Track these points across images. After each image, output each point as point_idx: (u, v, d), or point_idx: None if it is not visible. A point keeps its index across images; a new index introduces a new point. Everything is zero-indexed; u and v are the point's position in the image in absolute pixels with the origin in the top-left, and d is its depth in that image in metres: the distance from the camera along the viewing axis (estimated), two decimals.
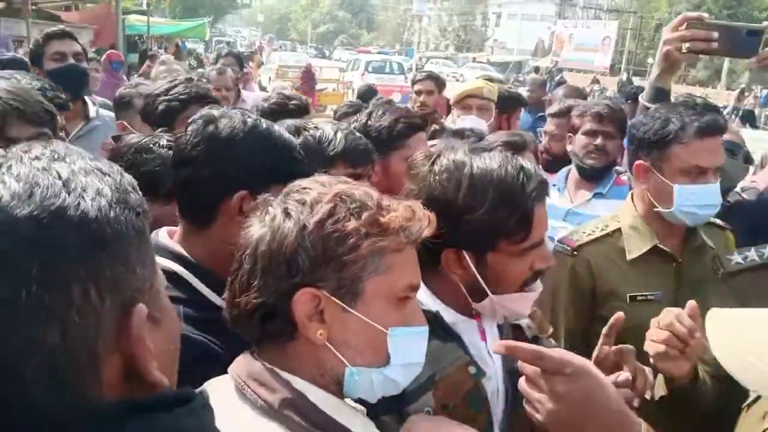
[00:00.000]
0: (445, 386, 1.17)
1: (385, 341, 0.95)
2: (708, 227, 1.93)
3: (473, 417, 1.23)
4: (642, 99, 2.01)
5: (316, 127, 1.78)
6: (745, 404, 1.29)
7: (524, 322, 1.43)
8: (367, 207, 0.93)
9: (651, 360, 1.36)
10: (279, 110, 2.71)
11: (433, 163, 1.25)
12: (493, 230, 1.17)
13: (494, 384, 1.30)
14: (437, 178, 1.21)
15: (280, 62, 23.59)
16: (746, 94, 23.48)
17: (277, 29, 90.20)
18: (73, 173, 0.57)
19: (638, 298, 1.80)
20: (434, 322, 1.18)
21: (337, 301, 0.92)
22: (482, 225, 1.16)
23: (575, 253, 1.87)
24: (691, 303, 1.32)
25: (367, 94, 7.49)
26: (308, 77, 16.06)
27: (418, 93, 4.23)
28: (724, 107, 21.41)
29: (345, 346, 0.94)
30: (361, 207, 0.93)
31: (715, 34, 1.70)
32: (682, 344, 1.32)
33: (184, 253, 1.27)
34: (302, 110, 2.86)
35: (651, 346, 1.35)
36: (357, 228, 0.91)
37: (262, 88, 15.44)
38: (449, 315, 1.27)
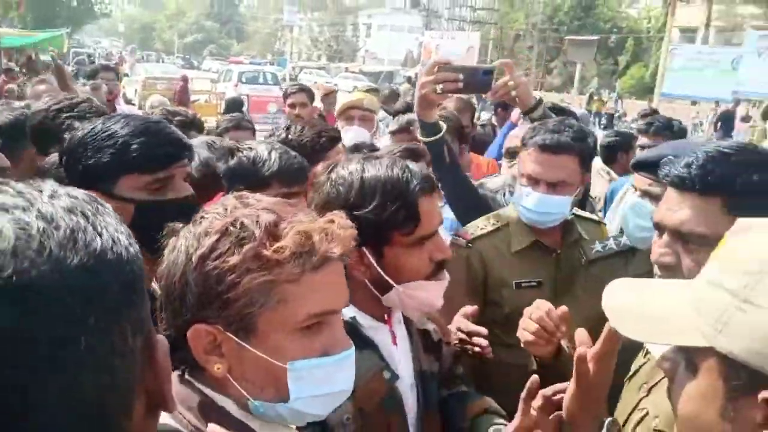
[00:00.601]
0: (362, 392, 1.20)
1: (284, 376, 0.90)
2: (586, 222, 2.15)
3: (388, 420, 1.32)
4: (419, 135, 2.19)
5: (249, 148, 1.78)
6: (627, 377, 1.43)
7: (431, 326, 1.53)
8: (252, 238, 0.88)
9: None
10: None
11: (330, 172, 1.36)
12: (386, 223, 1.28)
13: (407, 386, 1.39)
14: (333, 184, 1.32)
15: (147, 74, 22.51)
16: (595, 97, 25.65)
17: (140, 39, 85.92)
18: (93, 213, 0.54)
19: (523, 284, 1.99)
20: (350, 330, 1.21)
21: (232, 336, 0.89)
22: (375, 219, 1.27)
23: (470, 245, 2.02)
24: (563, 308, 1.48)
25: (235, 105, 7.43)
26: (183, 89, 15.54)
27: (292, 106, 4.30)
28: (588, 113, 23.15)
29: (244, 380, 0.92)
30: (247, 238, 0.88)
31: (461, 76, 1.97)
32: (549, 335, 1.47)
33: None
34: (189, 125, 2.72)
35: (521, 334, 1.50)
36: (237, 264, 0.87)
37: (128, 101, 14.70)
38: (364, 320, 1.36)
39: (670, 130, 3.87)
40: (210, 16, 78.81)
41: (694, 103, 26.19)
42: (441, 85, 1.99)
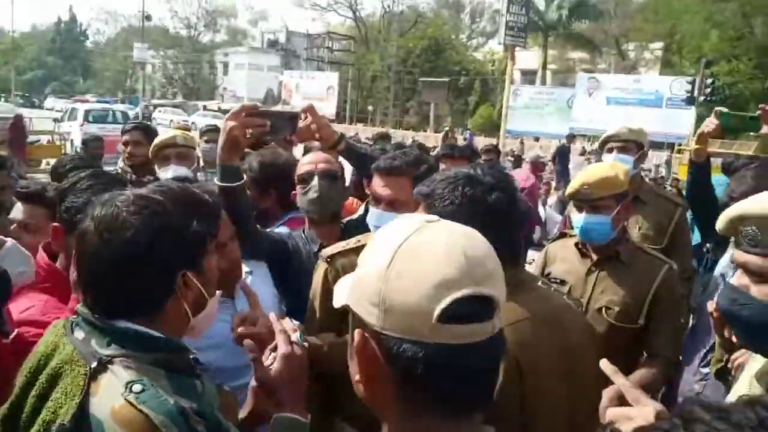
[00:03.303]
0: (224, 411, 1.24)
1: None
2: None
3: None
4: (217, 181, 2.17)
5: None
6: None
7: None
8: None
9: None
10: None
11: (110, 228, 1.20)
12: (206, 235, 1.25)
13: None
14: (137, 226, 1.18)
15: None
16: (449, 135, 27.03)
17: None
18: None
19: None
20: (191, 366, 1.22)
21: None
22: (198, 235, 1.22)
23: (329, 260, 2.07)
24: None
25: (93, 144, 6.98)
26: (18, 129, 14.34)
27: (126, 144, 4.10)
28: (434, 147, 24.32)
29: None
30: None
31: (268, 121, 2.10)
32: None
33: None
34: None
35: None
36: None
37: None
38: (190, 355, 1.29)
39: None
40: (52, 51, 74.07)
41: (537, 139, 28.52)
42: (251, 130, 2.06)
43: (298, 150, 4.04)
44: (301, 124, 2.24)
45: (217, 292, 1.32)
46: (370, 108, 44.71)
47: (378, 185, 2.12)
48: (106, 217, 1.17)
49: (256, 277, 2.17)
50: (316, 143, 3.00)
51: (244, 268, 2.08)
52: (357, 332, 0.86)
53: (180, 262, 1.20)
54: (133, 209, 1.16)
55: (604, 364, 1.28)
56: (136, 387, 1.06)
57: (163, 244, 1.16)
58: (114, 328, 1.14)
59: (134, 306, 1.16)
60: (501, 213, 1.42)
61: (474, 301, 0.80)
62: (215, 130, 4.52)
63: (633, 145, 3.23)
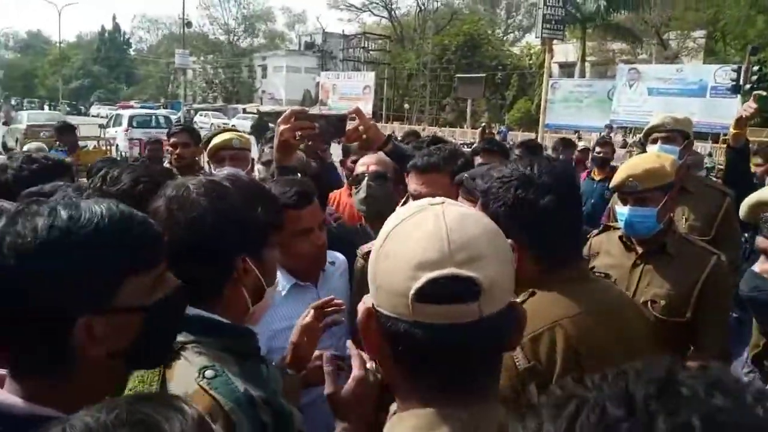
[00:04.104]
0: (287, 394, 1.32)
1: None
2: None
3: None
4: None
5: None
6: None
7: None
8: None
9: None
10: (29, 176, 2.32)
11: (181, 205, 1.28)
12: (268, 225, 1.33)
13: None
14: (204, 206, 1.25)
15: (29, 121, 21.37)
16: (487, 131, 26.79)
17: (21, 87, 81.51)
18: None
19: None
20: (257, 350, 1.31)
21: None
22: (262, 223, 1.30)
23: (365, 257, 2.12)
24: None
25: (153, 146, 6.95)
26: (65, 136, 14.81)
27: (174, 146, 4.26)
28: (472, 143, 24.21)
29: None
30: None
31: (316, 124, 2.17)
32: None
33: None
34: (53, 170, 2.43)
35: None
36: None
37: (10, 150, 13.88)
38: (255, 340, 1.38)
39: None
40: (97, 60, 76.16)
41: (576, 132, 28.07)
42: (300, 132, 2.14)
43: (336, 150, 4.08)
44: (349, 126, 2.30)
45: (277, 282, 1.41)
46: (406, 106, 44.68)
47: (415, 182, 2.18)
48: (177, 197, 1.23)
49: (336, 269, 2.23)
50: (355, 144, 3.09)
51: (328, 258, 2.15)
52: (362, 308, 0.90)
53: (241, 246, 1.24)
54: (203, 191, 1.23)
55: None
56: (209, 373, 1.12)
57: (226, 226, 1.21)
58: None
59: (197, 290, 1.17)
60: (552, 216, 1.41)
61: (452, 281, 0.80)
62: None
63: (678, 135, 3.16)
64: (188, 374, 1.12)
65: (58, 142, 8.46)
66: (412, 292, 0.81)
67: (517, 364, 1.29)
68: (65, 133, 8.61)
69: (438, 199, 0.92)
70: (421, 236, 0.84)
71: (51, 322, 0.87)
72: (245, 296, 1.28)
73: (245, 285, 1.27)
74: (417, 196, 2.13)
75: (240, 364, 1.20)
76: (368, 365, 1.33)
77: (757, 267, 1.34)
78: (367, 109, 39.33)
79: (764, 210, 1.33)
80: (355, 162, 3.18)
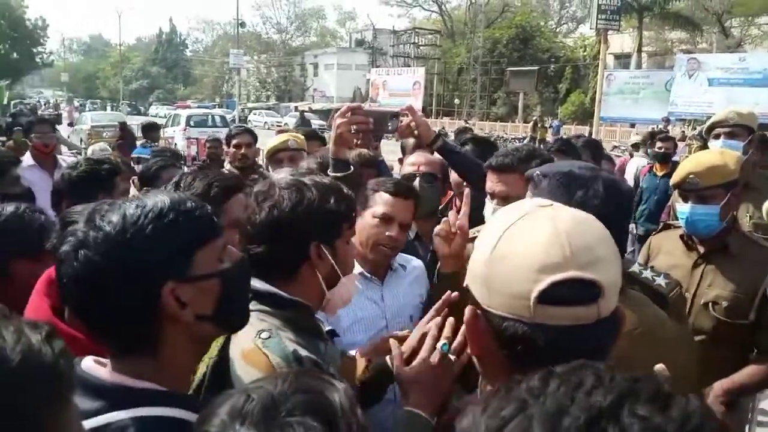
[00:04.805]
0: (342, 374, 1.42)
1: None
2: None
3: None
4: (330, 171, 2.33)
5: None
6: None
7: (332, 320, 1.73)
8: None
9: None
10: (88, 178, 2.55)
11: (266, 197, 1.45)
12: (339, 215, 1.45)
13: None
14: (285, 197, 1.43)
15: (93, 122, 22.23)
16: (539, 125, 26.41)
17: (84, 88, 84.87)
18: None
19: None
20: (316, 328, 1.47)
21: None
22: (335, 213, 1.44)
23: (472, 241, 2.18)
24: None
25: (213, 144, 7.11)
26: (123, 136, 15.30)
27: (238, 147, 4.36)
28: (523, 138, 23.96)
29: None
30: None
31: (371, 119, 2.23)
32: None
33: (163, 389, 1.03)
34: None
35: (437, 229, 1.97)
36: None
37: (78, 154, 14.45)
38: (317, 319, 1.52)
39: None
40: (155, 61, 78.53)
41: (632, 125, 27.31)
42: (355, 126, 2.22)
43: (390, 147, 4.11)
44: (402, 122, 2.37)
45: (354, 273, 1.54)
46: (456, 101, 44.38)
47: (491, 181, 2.22)
48: (263, 191, 1.46)
49: (408, 274, 2.25)
50: (410, 140, 3.14)
51: (398, 260, 2.22)
52: (468, 309, 0.93)
53: (314, 232, 1.42)
54: (284, 185, 1.44)
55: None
56: (264, 334, 1.30)
57: (301, 212, 1.40)
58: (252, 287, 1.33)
59: (273, 267, 1.40)
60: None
61: (575, 284, 0.83)
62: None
63: (742, 129, 3.08)
64: (248, 335, 1.27)
65: (145, 140, 9.11)
66: (534, 294, 0.82)
67: None
68: (151, 130, 9.56)
69: (546, 202, 0.94)
70: (540, 239, 0.86)
71: (142, 295, 1.00)
72: (320, 281, 1.44)
73: (320, 271, 1.44)
74: (492, 195, 2.19)
75: (298, 333, 1.36)
76: (438, 345, 1.38)
77: None
78: (417, 105, 39.19)
79: None
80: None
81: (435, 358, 1.35)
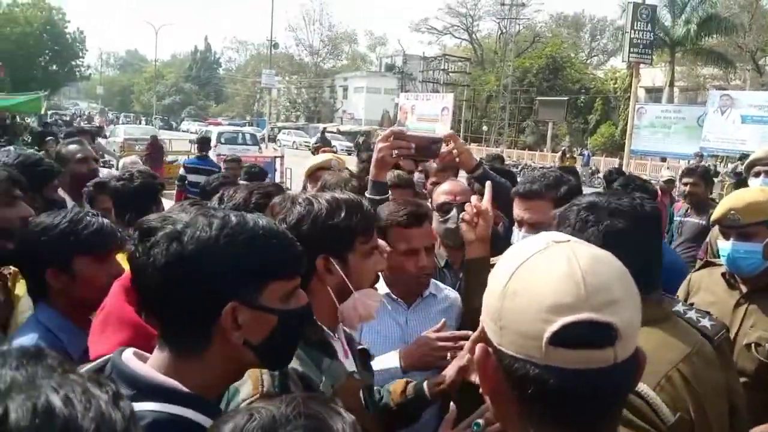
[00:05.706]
0: (343, 393, 1.37)
1: None
2: None
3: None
4: (367, 194, 2.34)
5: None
6: None
7: (356, 335, 1.71)
8: None
9: None
10: (144, 190, 2.72)
11: (293, 200, 1.51)
12: (350, 229, 1.46)
13: None
14: (303, 204, 1.47)
15: (126, 135, 22.70)
16: (567, 155, 26.23)
17: (118, 101, 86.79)
18: None
19: None
20: (324, 343, 1.44)
21: None
22: (344, 227, 1.44)
23: None
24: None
25: (231, 164, 7.53)
26: (154, 149, 15.61)
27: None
28: (551, 167, 23.73)
29: None
30: None
31: (413, 144, 2.23)
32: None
33: (186, 390, 1.05)
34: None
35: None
36: None
37: (109, 165, 14.76)
38: (326, 334, 1.50)
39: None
40: (189, 78, 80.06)
41: (663, 159, 27.00)
42: (396, 151, 2.22)
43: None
44: (444, 149, 2.36)
45: (375, 291, 1.54)
46: (484, 128, 44.40)
47: (519, 208, 2.21)
48: (278, 203, 1.50)
49: (439, 303, 2.20)
50: (433, 164, 3.18)
51: (430, 288, 2.17)
52: (479, 346, 0.88)
53: (321, 245, 1.42)
54: (300, 200, 1.47)
55: None
56: None
57: (307, 225, 1.41)
58: None
59: None
60: (618, 240, 1.32)
61: (590, 327, 0.78)
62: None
63: None
64: None
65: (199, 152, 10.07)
66: (546, 335, 0.78)
67: (662, 418, 1.22)
68: (205, 144, 10.58)
69: (562, 236, 0.90)
70: (554, 277, 0.81)
71: (208, 299, 1.04)
72: (331, 295, 1.45)
73: (330, 285, 1.44)
74: (521, 223, 2.18)
75: (302, 347, 1.33)
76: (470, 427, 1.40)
77: None
78: (444, 130, 39.15)
79: None
80: (434, 184, 3.21)
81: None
